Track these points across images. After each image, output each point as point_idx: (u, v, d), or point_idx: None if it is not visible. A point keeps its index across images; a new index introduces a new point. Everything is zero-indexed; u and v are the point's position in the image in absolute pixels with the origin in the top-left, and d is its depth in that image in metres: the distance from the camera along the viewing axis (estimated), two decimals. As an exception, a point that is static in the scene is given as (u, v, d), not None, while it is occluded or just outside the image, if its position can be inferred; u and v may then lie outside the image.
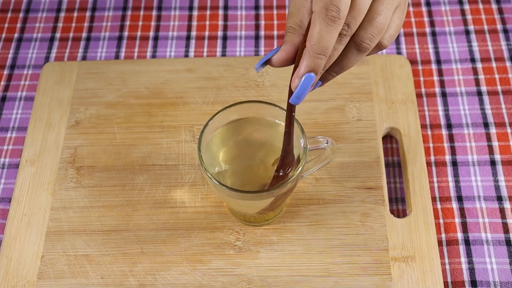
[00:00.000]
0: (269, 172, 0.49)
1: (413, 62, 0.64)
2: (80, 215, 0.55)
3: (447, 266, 0.53)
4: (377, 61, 0.63)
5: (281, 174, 0.47)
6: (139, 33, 0.68)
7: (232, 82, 0.62)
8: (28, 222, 0.55)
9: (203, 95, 0.61)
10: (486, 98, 0.61)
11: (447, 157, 0.58)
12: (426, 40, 0.66)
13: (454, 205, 0.56)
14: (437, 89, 0.62)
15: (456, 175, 0.57)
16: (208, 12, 0.69)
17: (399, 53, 0.65)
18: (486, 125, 0.60)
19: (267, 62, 0.41)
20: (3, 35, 0.68)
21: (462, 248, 0.53)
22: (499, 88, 0.62)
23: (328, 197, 0.55)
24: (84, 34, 0.68)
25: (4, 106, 0.63)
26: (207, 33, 0.68)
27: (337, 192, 0.55)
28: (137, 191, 0.56)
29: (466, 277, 0.52)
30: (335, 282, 0.51)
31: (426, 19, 0.68)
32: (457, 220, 0.55)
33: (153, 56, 0.66)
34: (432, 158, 0.58)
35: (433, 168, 0.58)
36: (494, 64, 0.64)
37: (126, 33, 0.68)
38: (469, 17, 0.67)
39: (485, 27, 0.66)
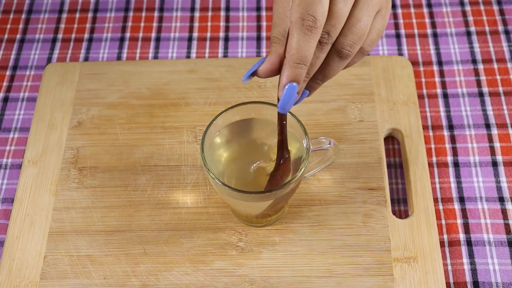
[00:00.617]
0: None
1: (414, 63, 0.65)
2: (82, 215, 0.55)
3: (449, 267, 0.53)
4: (379, 62, 0.63)
5: (275, 180, 0.47)
6: (141, 34, 0.68)
7: (234, 83, 0.62)
8: (31, 223, 0.55)
9: (205, 96, 0.61)
10: (487, 99, 0.62)
11: (449, 158, 0.58)
12: (427, 41, 0.66)
13: (456, 206, 0.56)
14: (439, 90, 0.63)
15: (458, 176, 0.57)
16: (209, 13, 0.69)
17: (400, 54, 0.65)
18: (487, 126, 0.60)
19: (254, 73, 0.41)
20: (6, 36, 0.68)
21: (464, 249, 0.53)
22: (500, 89, 0.62)
23: (330, 198, 0.55)
24: (86, 35, 0.68)
25: (7, 107, 0.63)
26: (209, 34, 0.68)
27: (339, 193, 0.55)
28: (139, 192, 0.56)
29: (468, 278, 0.52)
30: (337, 283, 0.51)
31: (427, 20, 0.68)
32: (459, 221, 0.55)
33: (155, 57, 0.66)
34: (434, 159, 0.58)
35: (435, 169, 0.58)
36: (495, 65, 0.64)
37: (128, 34, 0.68)
38: (470, 18, 0.68)
39: (487, 28, 0.67)
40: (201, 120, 0.60)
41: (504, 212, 0.55)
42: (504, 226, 0.54)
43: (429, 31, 0.67)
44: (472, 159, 0.58)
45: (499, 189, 0.56)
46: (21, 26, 0.69)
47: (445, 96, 0.62)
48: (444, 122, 0.60)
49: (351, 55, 0.40)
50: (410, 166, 0.57)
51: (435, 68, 0.64)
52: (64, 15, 0.70)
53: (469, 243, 0.54)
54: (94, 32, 0.68)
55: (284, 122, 0.44)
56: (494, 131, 0.60)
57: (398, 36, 0.67)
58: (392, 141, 0.60)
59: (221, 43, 0.67)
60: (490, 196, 0.56)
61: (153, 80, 0.63)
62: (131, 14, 0.70)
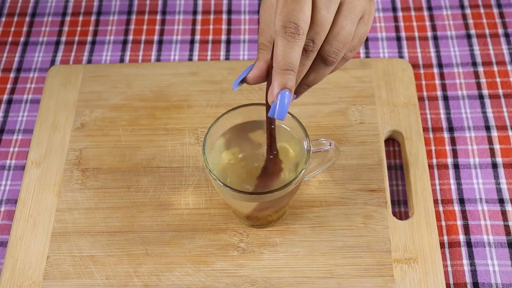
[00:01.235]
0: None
1: (415, 65, 0.65)
2: (85, 216, 0.55)
3: (449, 268, 0.53)
4: (380, 64, 0.63)
5: (264, 182, 0.48)
6: (143, 37, 0.68)
7: (236, 85, 0.62)
8: (34, 223, 0.55)
9: (207, 98, 0.62)
10: (487, 102, 0.62)
11: (449, 160, 0.59)
12: (428, 44, 0.67)
13: (456, 207, 0.56)
14: (439, 93, 0.63)
15: (458, 177, 0.58)
16: (212, 16, 0.70)
17: (401, 57, 0.66)
18: (487, 128, 0.60)
19: (243, 80, 0.42)
20: (10, 38, 0.69)
21: (464, 250, 0.54)
22: (500, 91, 0.63)
23: (331, 199, 0.56)
24: (89, 38, 0.69)
25: (11, 109, 0.64)
26: (211, 37, 0.68)
27: (340, 194, 0.56)
28: (141, 193, 0.57)
29: (468, 279, 0.52)
30: (338, 284, 0.51)
31: (428, 23, 0.68)
32: (459, 222, 0.55)
33: (158, 60, 0.67)
34: (434, 160, 0.59)
35: (435, 171, 0.58)
36: (495, 68, 0.64)
37: (131, 37, 0.68)
38: (470, 21, 0.68)
39: (487, 31, 0.67)
40: (203, 122, 0.60)
41: (504, 214, 0.55)
42: (504, 227, 0.55)
43: (429, 33, 0.67)
44: (472, 161, 0.58)
45: (499, 190, 0.57)
46: (25, 28, 0.70)
47: (445, 98, 0.63)
48: (444, 124, 0.61)
49: (336, 61, 0.41)
50: (411, 167, 0.57)
51: (436, 70, 0.65)
52: (68, 18, 0.70)
53: (469, 244, 0.54)
54: (97, 34, 0.69)
55: (273, 126, 0.45)
56: (494, 133, 0.60)
57: (398, 38, 0.67)
58: (393, 143, 0.60)
59: (223, 46, 0.68)
60: (490, 198, 0.56)
61: (155, 82, 0.63)
62: (133, 17, 0.70)
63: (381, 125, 0.59)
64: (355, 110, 0.60)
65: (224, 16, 0.70)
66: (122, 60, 0.67)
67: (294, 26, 0.38)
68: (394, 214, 0.56)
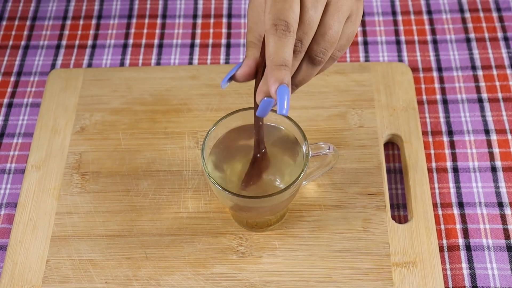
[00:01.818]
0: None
1: (414, 69, 0.65)
2: (84, 220, 0.56)
3: (448, 272, 0.53)
4: (379, 68, 0.63)
5: (252, 182, 0.48)
6: (143, 41, 0.69)
7: (235, 89, 0.63)
8: (34, 227, 0.55)
9: (207, 102, 0.62)
10: (487, 105, 0.62)
11: (448, 164, 0.59)
12: (427, 48, 0.67)
13: (455, 211, 0.56)
14: (438, 96, 0.63)
15: (457, 181, 0.58)
16: (212, 20, 0.70)
17: (400, 60, 0.66)
18: (487, 131, 0.60)
19: (232, 78, 0.42)
20: (10, 42, 0.69)
21: (463, 254, 0.54)
22: (499, 95, 0.63)
23: (330, 203, 0.56)
24: (89, 42, 0.69)
25: (11, 112, 0.64)
26: (211, 41, 0.68)
27: (339, 198, 0.56)
28: (141, 197, 0.57)
29: (467, 282, 0.52)
30: (337, 287, 0.51)
31: (427, 27, 0.68)
32: (458, 226, 0.55)
33: (158, 64, 0.67)
34: (433, 164, 0.59)
35: (434, 175, 0.58)
36: (494, 72, 0.64)
37: (131, 41, 0.69)
38: (470, 25, 0.68)
39: (486, 35, 0.67)
40: (203, 126, 0.60)
41: (503, 217, 0.55)
42: (503, 231, 0.55)
43: (429, 37, 0.67)
44: (471, 165, 0.58)
45: (498, 194, 0.57)
46: (25, 32, 0.70)
47: (445, 102, 0.63)
48: (443, 128, 0.61)
49: (324, 61, 0.41)
50: (410, 171, 0.57)
51: (435, 74, 0.65)
52: (68, 22, 0.71)
53: (468, 248, 0.54)
54: (97, 38, 0.69)
55: (261, 123, 0.46)
56: (493, 137, 0.60)
57: (398, 42, 0.67)
58: (392, 146, 0.61)
59: (223, 50, 0.68)
60: (489, 202, 0.56)
61: (155, 86, 0.63)
62: (134, 21, 0.70)
63: (380, 128, 0.60)
64: (355, 113, 0.61)
65: (224, 20, 0.70)
66: (122, 64, 0.67)
67: (284, 23, 0.38)
68: (393, 217, 0.56)
